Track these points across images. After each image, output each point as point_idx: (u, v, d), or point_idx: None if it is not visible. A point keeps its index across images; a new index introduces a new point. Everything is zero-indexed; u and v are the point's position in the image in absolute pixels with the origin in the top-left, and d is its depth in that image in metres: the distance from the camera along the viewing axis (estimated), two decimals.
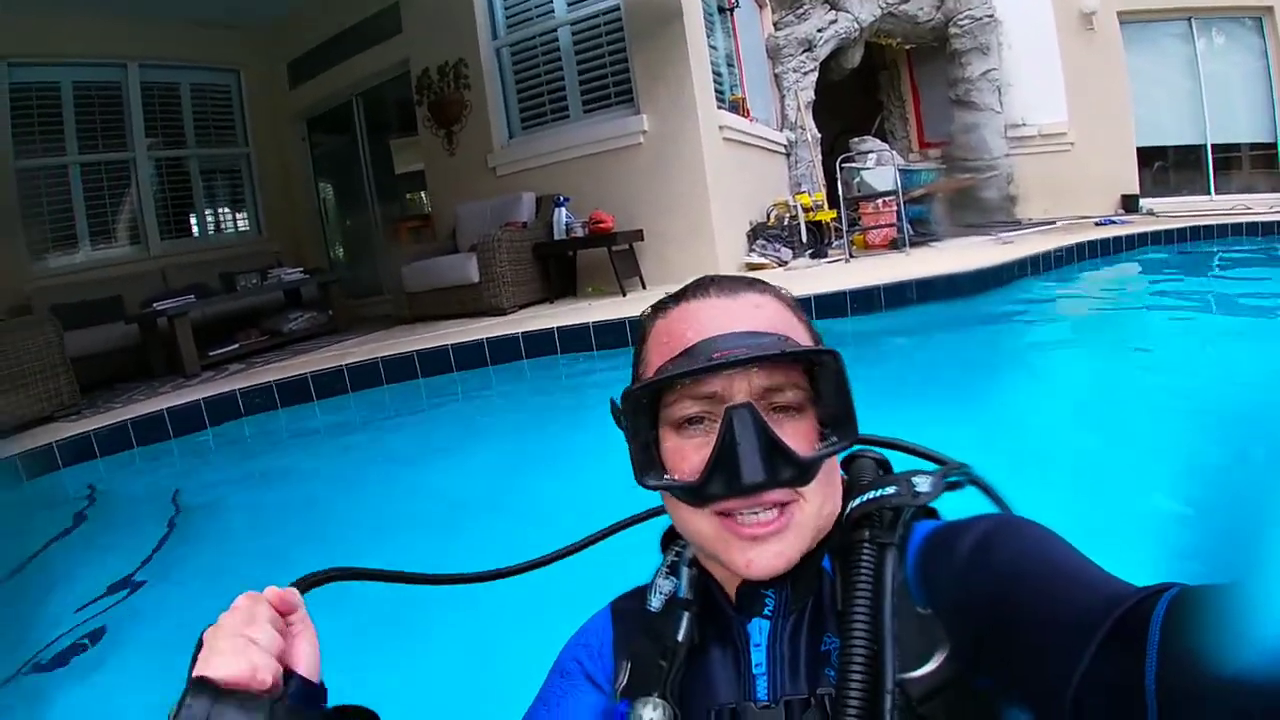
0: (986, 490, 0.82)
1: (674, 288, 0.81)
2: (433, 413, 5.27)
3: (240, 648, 0.59)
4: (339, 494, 3.77)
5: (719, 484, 0.66)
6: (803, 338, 0.74)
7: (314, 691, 0.64)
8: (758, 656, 0.72)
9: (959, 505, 0.76)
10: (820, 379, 0.69)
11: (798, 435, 0.68)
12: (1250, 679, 0.36)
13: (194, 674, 0.57)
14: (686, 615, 0.77)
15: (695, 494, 0.68)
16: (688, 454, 0.69)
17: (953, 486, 0.74)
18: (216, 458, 4.88)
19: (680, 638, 0.75)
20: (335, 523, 3.38)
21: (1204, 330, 4.79)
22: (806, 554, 0.72)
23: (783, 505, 0.68)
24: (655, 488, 0.70)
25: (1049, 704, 0.52)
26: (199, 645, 0.60)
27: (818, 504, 0.69)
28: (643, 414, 0.71)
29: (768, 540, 0.67)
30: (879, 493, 0.70)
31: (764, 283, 0.79)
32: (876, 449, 0.84)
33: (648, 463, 0.71)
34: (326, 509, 3.58)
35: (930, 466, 0.81)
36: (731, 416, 0.65)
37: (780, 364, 0.68)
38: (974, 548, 0.64)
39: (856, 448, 0.80)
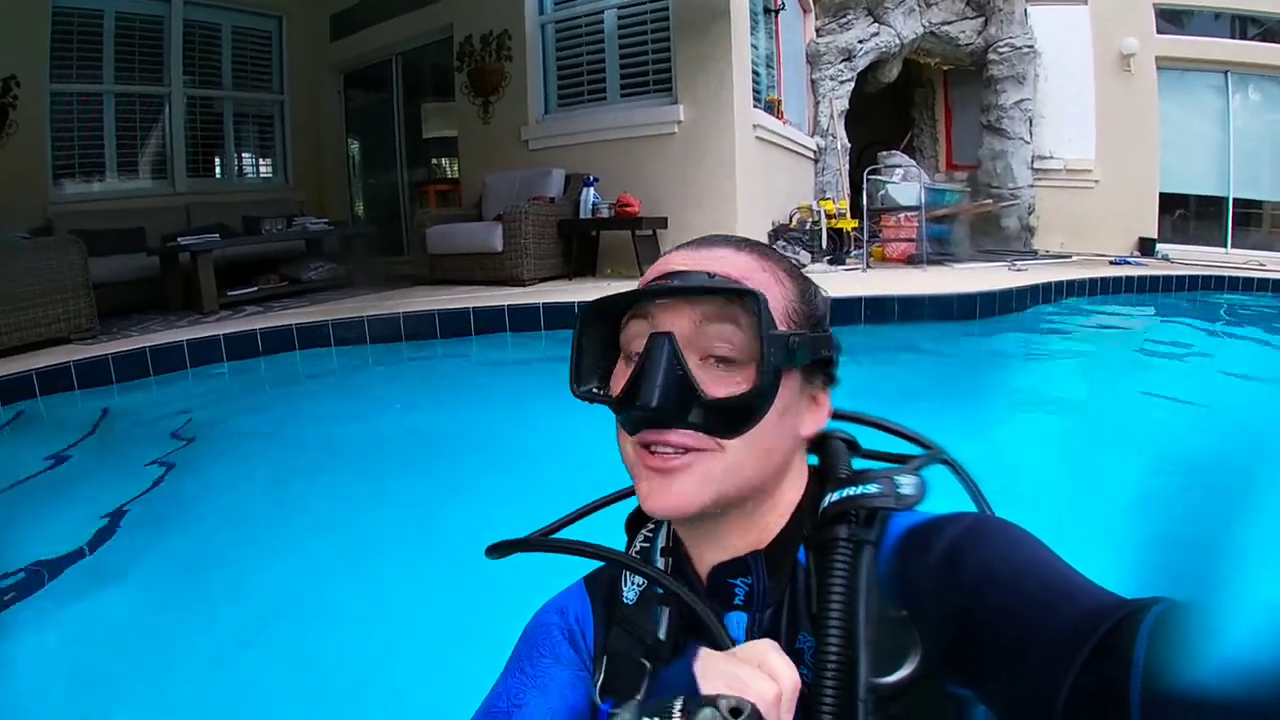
0: (961, 476, 0.83)
1: None
2: (449, 369, 5.39)
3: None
4: (348, 434, 3.86)
5: (629, 406, 0.65)
6: (772, 292, 0.69)
7: None
8: None
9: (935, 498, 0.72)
10: (744, 322, 0.66)
11: (722, 383, 0.66)
12: (1230, 699, 0.36)
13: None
14: (666, 612, 0.74)
15: (615, 411, 0.69)
16: (621, 378, 0.69)
17: (916, 501, 0.68)
18: (230, 391, 4.97)
19: (662, 635, 0.73)
20: (340, 461, 3.45)
21: (1196, 375, 4.87)
22: (779, 544, 0.71)
23: (693, 450, 0.65)
24: (579, 395, 0.72)
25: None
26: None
27: (738, 463, 0.66)
28: (588, 332, 0.73)
29: (669, 476, 0.66)
30: (860, 490, 0.67)
31: (755, 243, 0.76)
32: (848, 429, 0.81)
33: (581, 373, 0.73)
34: (333, 447, 3.66)
35: (904, 446, 0.84)
36: (651, 342, 0.65)
37: (717, 302, 0.66)
38: (948, 550, 0.61)
39: (831, 425, 0.77)
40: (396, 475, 3.23)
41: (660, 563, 0.78)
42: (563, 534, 0.86)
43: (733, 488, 0.67)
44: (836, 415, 0.80)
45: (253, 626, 2.05)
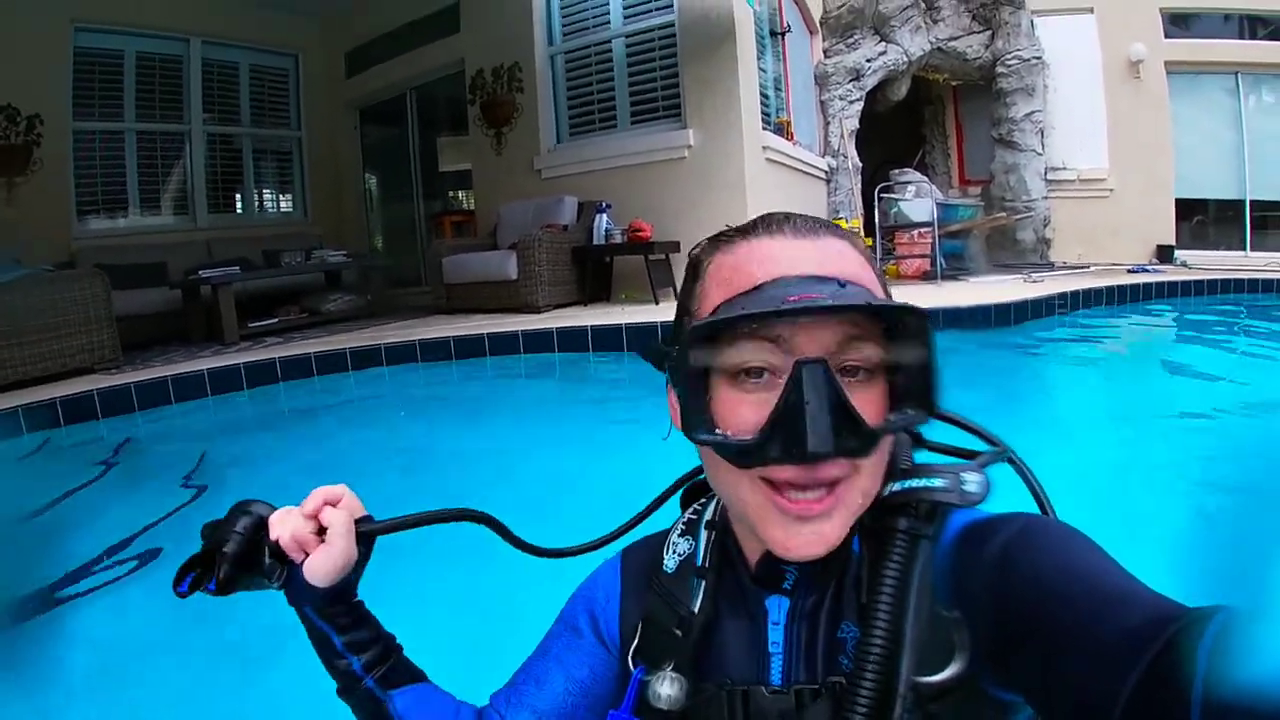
0: (1025, 476, 0.81)
1: None
2: (462, 394, 5.44)
3: (280, 519, 0.80)
4: (364, 460, 3.87)
5: (777, 448, 0.58)
6: (876, 288, 0.66)
7: (299, 574, 0.80)
8: (774, 635, 0.70)
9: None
10: (901, 341, 0.61)
11: (867, 402, 0.61)
12: None
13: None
14: (703, 585, 0.73)
15: (746, 455, 0.60)
16: (743, 410, 0.61)
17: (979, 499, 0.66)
18: (250, 418, 5.05)
19: (696, 609, 0.72)
20: (357, 485, 3.49)
21: (1217, 377, 4.83)
22: None
23: (834, 482, 0.61)
24: (706, 443, 0.62)
25: None
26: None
27: (869, 482, 0.63)
28: (701, 356, 0.62)
29: (813, 520, 0.61)
30: (924, 483, 0.64)
31: (841, 229, 0.69)
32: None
33: (699, 413, 0.62)
34: (351, 472, 3.70)
35: (968, 440, 0.81)
36: (802, 373, 0.57)
37: (863, 318, 0.61)
38: (1001, 551, 0.60)
39: None
40: (413, 495, 3.26)
41: (704, 535, 0.77)
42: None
43: (861, 508, 0.64)
44: None
45: (272, 644, 2.08)
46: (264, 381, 5.38)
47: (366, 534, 0.82)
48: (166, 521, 3.02)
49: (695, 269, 0.70)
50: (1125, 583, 0.54)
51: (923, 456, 0.73)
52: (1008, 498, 0.75)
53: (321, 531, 0.80)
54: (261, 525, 0.80)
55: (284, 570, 0.80)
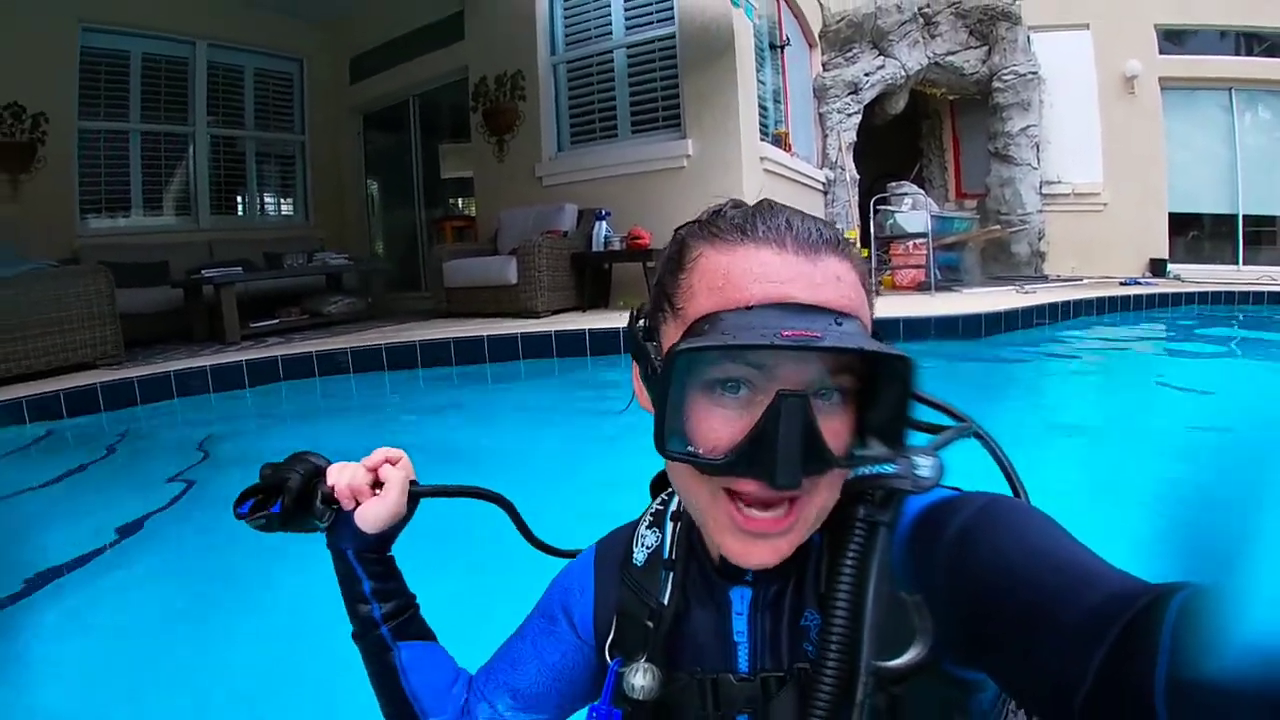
0: (992, 450, 0.83)
1: None
2: (465, 394, 5.51)
3: (339, 469, 0.90)
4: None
5: (744, 468, 0.59)
6: (867, 315, 0.66)
7: (347, 520, 0.89)
8: (739, 625, 0.72)
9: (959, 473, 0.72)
10: (884, 383, 0.62)
11: (835, 427, 0.62)
12: (1257, 687, 0.35)
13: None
14: (671, 577, 0.75)
15: (713, 468, 0.61)
16: (716, 424, 0.61)
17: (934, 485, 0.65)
18: (251, 414, 5.13)
19: (665, 600, 0.74)
20: None
21: (1199, 381, 4.93)
22: None
23: (793, 500, 0.62)
24: (678, 458, 0.62)
25: (1052, 707, 0.50)
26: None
27: (827, 497, 0.64)
28: (683, 373, 0.61)
29: (769, 536, 0.62)
30: (878, 469, 0.64)
31: (842, 239, 0.67)
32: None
33: (674, 429, 0.62)
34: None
35: (934, 416, 0.81)
36: (781, 406, 0.57)
37: (853, 357, 0.60)
38: (962, 532, 0.60)
39: None
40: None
41: (670, 527, 0.79)
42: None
43: (818, 522, 0.65)
44: None
45: (264, 638, 2.11)
46: (266, 379, 5.47)
47: (416, 494, 0.92)
48: (160, 512, 3.07)
49: (681, 254, 0.68)
50: (1088, 561, 0.54)
51: None
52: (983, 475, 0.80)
53: (377, 485, 0.89)
54: (317, 473, 0.90)
55: (332, 514, 0.89)
